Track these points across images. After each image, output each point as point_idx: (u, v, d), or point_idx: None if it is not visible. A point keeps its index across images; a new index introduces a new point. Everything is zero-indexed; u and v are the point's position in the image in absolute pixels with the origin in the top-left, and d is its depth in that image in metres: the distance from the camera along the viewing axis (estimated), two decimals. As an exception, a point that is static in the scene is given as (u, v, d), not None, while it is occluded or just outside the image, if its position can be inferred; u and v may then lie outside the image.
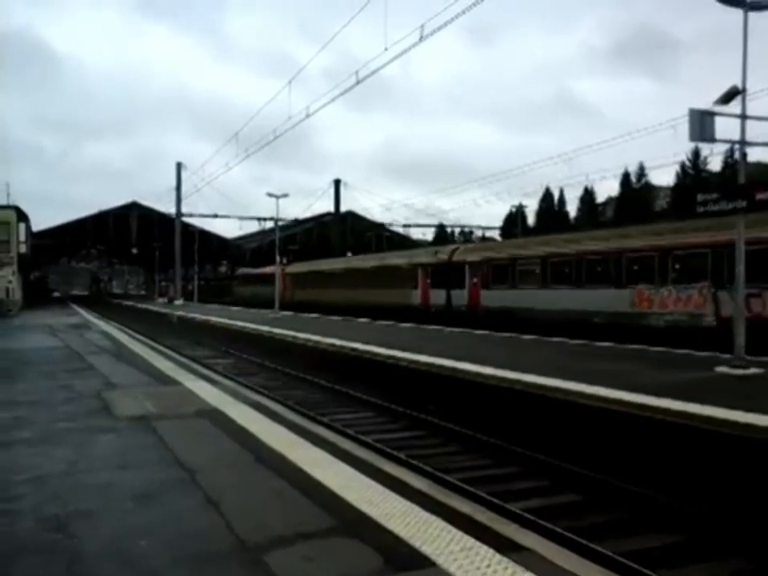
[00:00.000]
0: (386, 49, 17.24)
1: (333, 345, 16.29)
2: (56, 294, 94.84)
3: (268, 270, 46.71)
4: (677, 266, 18.44)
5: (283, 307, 35.10)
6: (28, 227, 45.75)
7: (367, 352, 14.44)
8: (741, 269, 10.90)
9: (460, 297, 26.73)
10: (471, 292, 26.25)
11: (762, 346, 11.68)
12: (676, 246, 18.42)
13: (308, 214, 68.70)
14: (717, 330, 15.85)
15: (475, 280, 26.12)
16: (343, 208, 68.83)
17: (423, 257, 31.37)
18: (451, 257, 28.26)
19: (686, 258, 18.19)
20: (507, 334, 19.10)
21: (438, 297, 28.27)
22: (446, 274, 27.83)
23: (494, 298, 24.79)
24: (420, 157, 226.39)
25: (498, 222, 73.99)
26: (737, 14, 10.60)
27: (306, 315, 32.63)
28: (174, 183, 58.03)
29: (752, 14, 10.57)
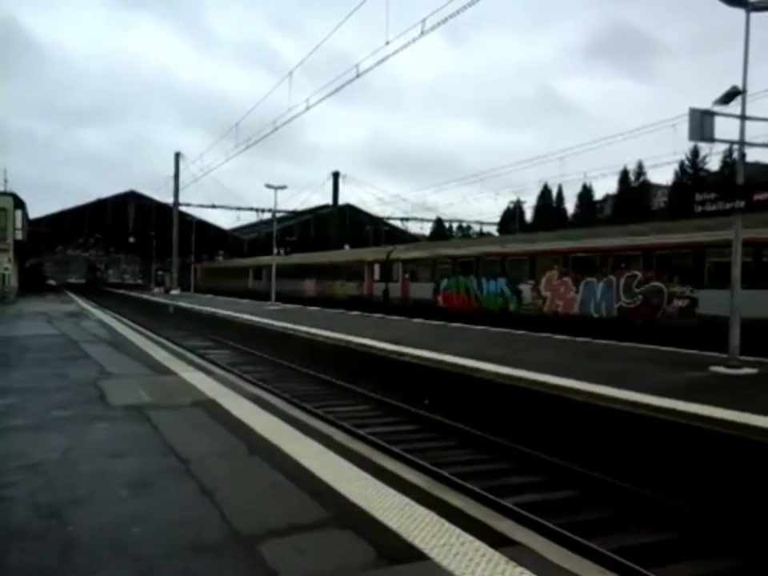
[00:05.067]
0: (387, 42, 17.19)
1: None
2: (52, 282, 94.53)
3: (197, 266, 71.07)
4: (308, 272, 42.39)
5: (201, 291, 57.62)
6: (24, 214, 45.58)
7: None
8: (737, 272, 10.93)
9: (258, 284, 50.07)
10: (261, 282, 49.08)
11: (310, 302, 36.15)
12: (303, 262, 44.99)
13: (303, 207, 68.58)
14: (315, 298, 37.93)
15: (255, 275, 52.47)
16: (334, 200, 68.43)
17: (252, 261, 56.37)
18: (256, 263, 54.33)
19: (306, 267, 43.35)
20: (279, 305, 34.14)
21: (253, 283, 52.13)
22: (256, 272, 52.55)
23: (256, 284, 50.69)
24: (407, 152, 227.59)
25: (489, 217, 74.34)
26: (718, 17, 10.63)
27: (208, 296, 50.62)
28: (165, 172, 58.39)
29: (739, 16, 10.58)
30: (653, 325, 17.99)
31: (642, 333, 16.86)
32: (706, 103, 10.91)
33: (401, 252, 32.15)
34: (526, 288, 22.97)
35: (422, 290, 28.76)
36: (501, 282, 24.13)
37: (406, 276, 30.29)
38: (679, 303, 17.80)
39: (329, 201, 67.17)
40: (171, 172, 58.91)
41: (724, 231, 15.19)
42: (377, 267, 33.03)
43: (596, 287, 20.31)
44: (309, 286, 41.51)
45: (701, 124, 10.52)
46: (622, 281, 19.48)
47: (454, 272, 26.85)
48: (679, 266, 18.21)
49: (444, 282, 27.33)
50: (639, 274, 19.11)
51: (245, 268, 56.23)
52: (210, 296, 50.13)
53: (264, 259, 52.38)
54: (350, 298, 34.30)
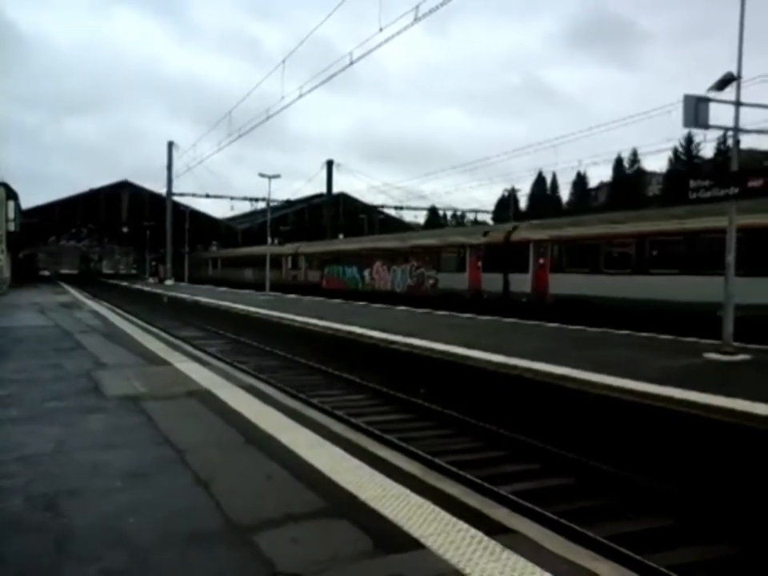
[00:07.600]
0: (381, 29, 17.08)
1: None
2: (45, 273, 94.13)
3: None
4: (247, 262, 49.47)
5: (192, 281, 62.97)
6: (17, 205, 45.22)
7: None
8: (731, 258, 10.93)
9: (214, 272, 60.72)
10: (216, 270, 61.40)
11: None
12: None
13: (295, 197, 68.25)
14: (253, 283, 44.35)
15: (212, 266, 62.80)
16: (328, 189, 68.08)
17: (210, 254, 68.49)
18: (212, 255, 67.28)
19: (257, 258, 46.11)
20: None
21: (212, 272, 61.87)
22: (213, 263, 63.33)
23: (213, 272, 61.49)
24: (395, 141, 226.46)
25: (483, 205, 74.08)
26: (701, 6, 10.62)
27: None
28: (153, 161, 58.38)
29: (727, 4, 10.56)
30: (422, 295, 28.05)
31: (417, 300, 26.70)
32: (691, 91, 10.85)
33: (304, 248, 43.57)
34: (366, 273, 33.68)
35: (314, 276, 39.95)
36: (354, 270, 35.06)
37: (306, 266, 41.81)
38: (431, 281, 28.17)
39: (321, 190, 66.88)
40: (160, 161, 58.98)
41: (450, 237, 29.20)
42: (290, 259, 43.81)
43: (398, 272, 31.09)
44: (248, 274, 50.27)
45: (695, 110, 10.48)
46: (408, 268, 30.14)
47: (331, 262, 38.17)
48: (431, 258, 28.49)
49: (326, 270, 38.55)
50: (415, 264, 29.60)
51: (207, 259, 68.26)
52: (206, 287, 50.43)
53: (219, 252, 66.99)
54: (275, 283, 43.88)
